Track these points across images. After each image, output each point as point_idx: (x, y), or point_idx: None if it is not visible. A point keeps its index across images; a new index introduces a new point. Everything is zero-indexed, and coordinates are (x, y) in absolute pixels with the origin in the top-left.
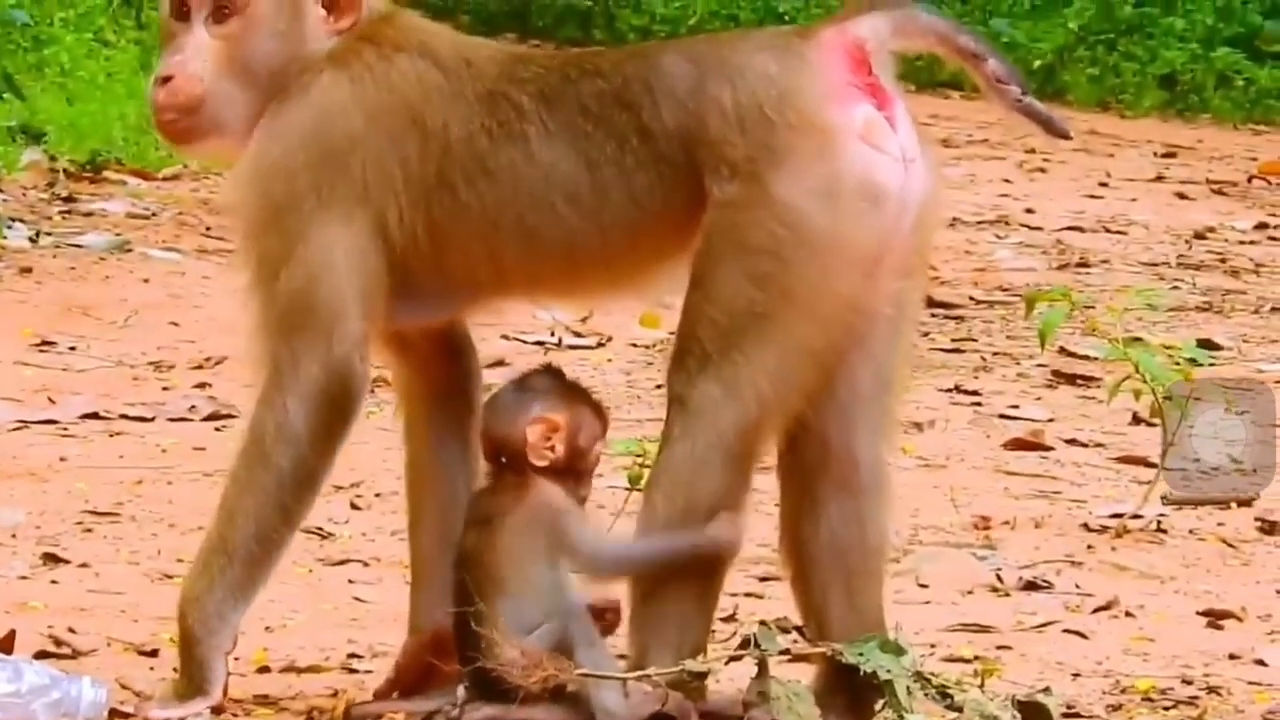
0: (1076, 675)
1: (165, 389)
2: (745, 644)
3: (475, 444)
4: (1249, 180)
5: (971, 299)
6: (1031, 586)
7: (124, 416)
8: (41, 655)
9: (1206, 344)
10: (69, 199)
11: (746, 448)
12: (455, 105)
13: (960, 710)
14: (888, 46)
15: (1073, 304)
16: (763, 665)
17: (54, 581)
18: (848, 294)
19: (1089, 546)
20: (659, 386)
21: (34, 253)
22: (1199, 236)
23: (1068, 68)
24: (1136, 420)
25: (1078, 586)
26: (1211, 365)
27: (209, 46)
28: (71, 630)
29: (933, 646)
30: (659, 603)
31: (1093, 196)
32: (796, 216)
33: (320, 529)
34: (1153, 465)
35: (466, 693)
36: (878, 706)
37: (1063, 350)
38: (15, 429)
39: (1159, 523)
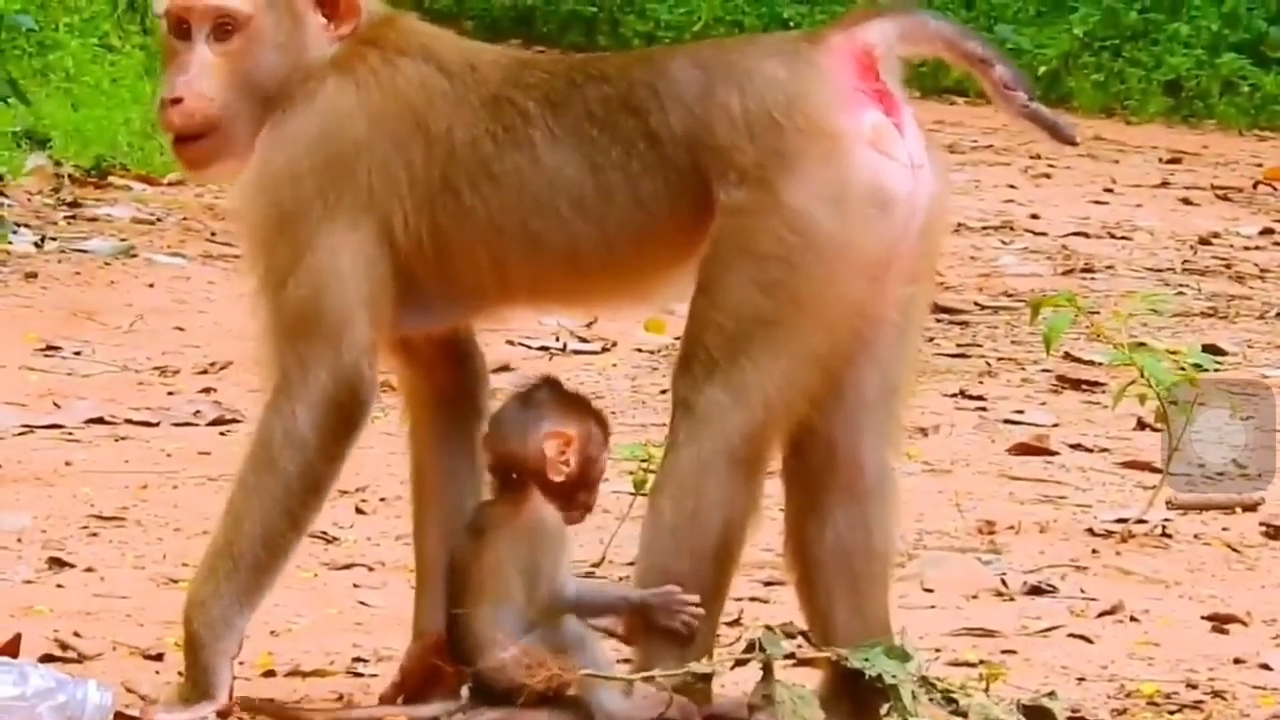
0: (1081, 680)
1: (170, 394)
2: (750, 648)
3: (479, 450)
4: (1254, 186)
5: (976, 304)
6: (1036, 591)
7: (129, 421)
8: (47, 659)
9: (1212, 349)
10: (74, 204)
11: (753, 453)
12: (460, 110)
13: (965, 715)
14: (895, 52)
15: (1078, 309)
16: (768, 669)
17: (59, 585)
18: (855, 300)
19: (1094, 551)
20: (664, 392)
21: (39, 258)
22: (1204, 242)
23: (1073, 74)
24: (1141, 425)
25: (1082, 591)
26: (1217, 370)
27: (214, 64)
28: (77, 634)
29: (937, 651)
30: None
31: (1098, 202)
32: (806, 222)
33: (325, 533)
34: (1158, 470)
35: (470, 697)
36: (883, 711)
37: (1068, 355)
38: (20, 433)
39: (1164, 527)
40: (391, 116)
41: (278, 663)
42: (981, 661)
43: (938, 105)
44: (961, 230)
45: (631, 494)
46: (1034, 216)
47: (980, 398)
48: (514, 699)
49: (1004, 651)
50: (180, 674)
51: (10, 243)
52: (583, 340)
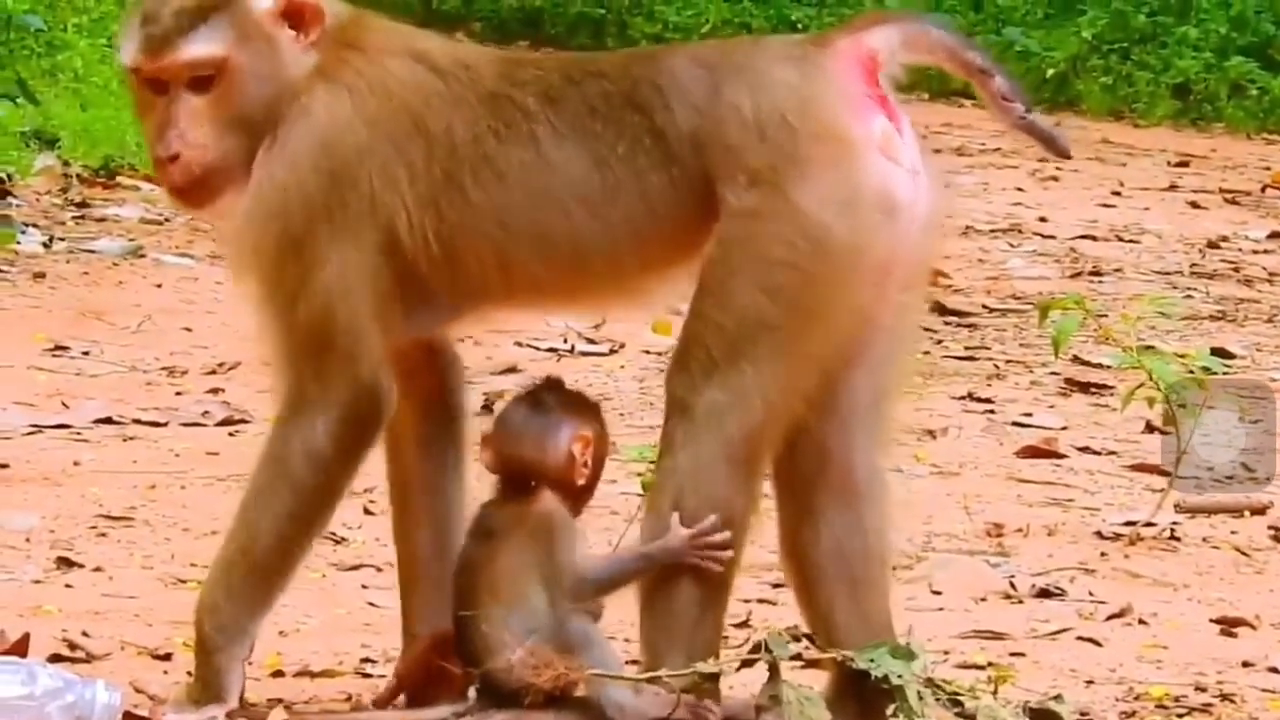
0: (1090, 682)
1: (178, 394)
2: (756, 649)
3: (465, 451)
4: (1262, 190)
5: (985, 307)
6: (1045, 594)
7: (137, 421)
8: (55, 659)
9: (1220, 353)
10: (82, 204)
11: (752, 454)
12: (458, 108)
13: (972, 717)
14: (898, 59)
15: (1086, 312)
16: (774, 670)
17: (68, 585)
18: (860, 305)
19: (1102, 554)
20: None
21: (47, 258)
22: (1212, 245)
23: (1081, 77)
24: (1150, 428)
25: (1091, 594)
26: (1225, 373)
27: (201, 112)
28: (85, 634)
29: (946, 653)
30: (668, 606)
31: (1106, 205)
32: (818, 227)
33: (334, 534)
34: (1166, 473)
35: (477, 698)
36: (889, 712)
37: (1076, 358)
38: (29, 433)
39: (1172, 530)
40: (389, 119)
41: (286, 663)
42: (990, 664)
43: (946, 108)
44: (970, 233)
45: (639, 495)
46: (1042, 219)
47: (988, 400)
48: (522, 700)
49: (1012, 654)
50: (189, 674)
51: (18, 243)
52: (591, 342)
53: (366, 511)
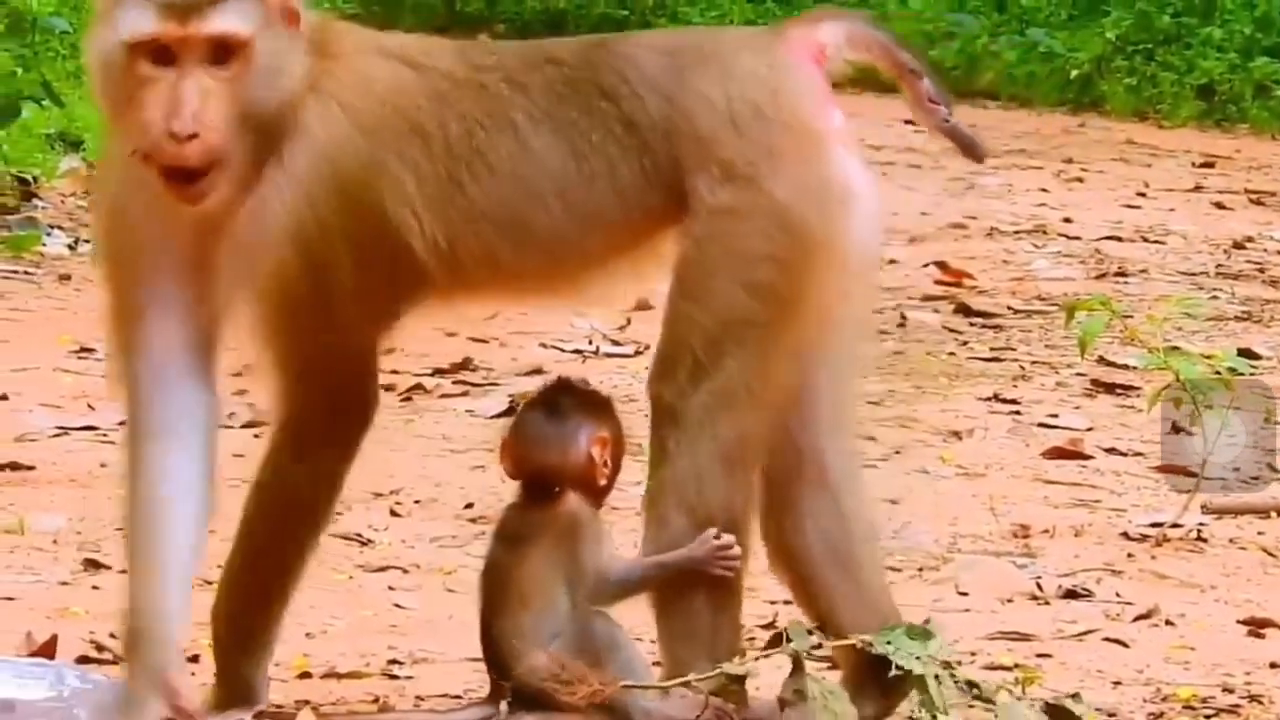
0: (1117, 683)
1: None
2: (776, 640)
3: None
4: None
5: (1010, 308)
6: (1071, 595)
7: None
8: (83, 660)
9: (1246, 353)
10: None
11: (746, 453)
12: (443, 103)
13: (990, 701)
14: (842, 54)
15: (1112, 313)
16: (797, 663)
17: (95, 587)
18: (834, 295)
19: (1129, 555)
20: None
21: (72, 260)
22: (1237, 246)
23: (1105, 77)
24: (1176, 429)
25: (1118, 595)
26: (1251, 374)
27: (215, 91)
28: (113, 635)
29: (973, 654)
30: (683, 611)
31: (1131, 206)
32: (796, 220)
33: (360, 535)
34: (1192, 474)
35: (510, 705)
36: (910, 698)
37: (1102, 359)
38: (55, 435)
39: (1199, 531)
40: (384, 125)
41: (313, 665)
42: (1016, 665)
43: (970, 109)
44: (994, 234)
45: None
46: (1067, 220)
47: (1014, 401)
48: (551, 704)
49: (1039, 655)
50: (215, 676)
51: (44, 245)
52: (615, 344)
53: (393, 514)
